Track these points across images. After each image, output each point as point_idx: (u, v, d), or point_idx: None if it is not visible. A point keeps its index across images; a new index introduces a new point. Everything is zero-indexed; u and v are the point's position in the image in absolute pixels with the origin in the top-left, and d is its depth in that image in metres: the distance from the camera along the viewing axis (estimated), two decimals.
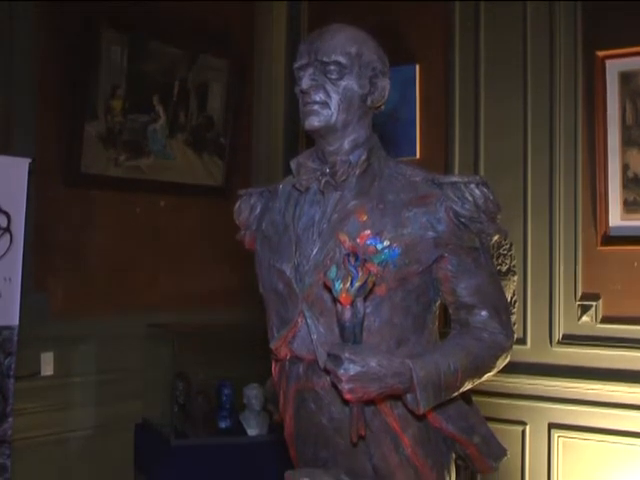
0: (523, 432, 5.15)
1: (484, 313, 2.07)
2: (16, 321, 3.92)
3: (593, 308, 5.00)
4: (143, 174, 5.12)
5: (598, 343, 4.93)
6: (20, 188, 3.95)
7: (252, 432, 4.27)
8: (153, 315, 5.15)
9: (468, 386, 2.02)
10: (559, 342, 5.09)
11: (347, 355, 1.85)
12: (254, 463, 4.16)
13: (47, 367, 4.71)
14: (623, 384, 4.80)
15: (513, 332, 2.12)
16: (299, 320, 2.05)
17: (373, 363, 1.86)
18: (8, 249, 3.91)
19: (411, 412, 1.97)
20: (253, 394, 4.27)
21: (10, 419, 3.92)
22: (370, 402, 1.96)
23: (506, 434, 2.20)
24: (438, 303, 2.12)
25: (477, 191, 2.06)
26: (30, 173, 3.97)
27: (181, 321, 5.26)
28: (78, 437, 4.90)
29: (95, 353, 5.00)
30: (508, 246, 5.02)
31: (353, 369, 1.85)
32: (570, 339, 5.05)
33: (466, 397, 2.16)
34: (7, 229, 3.91)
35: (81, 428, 4.91)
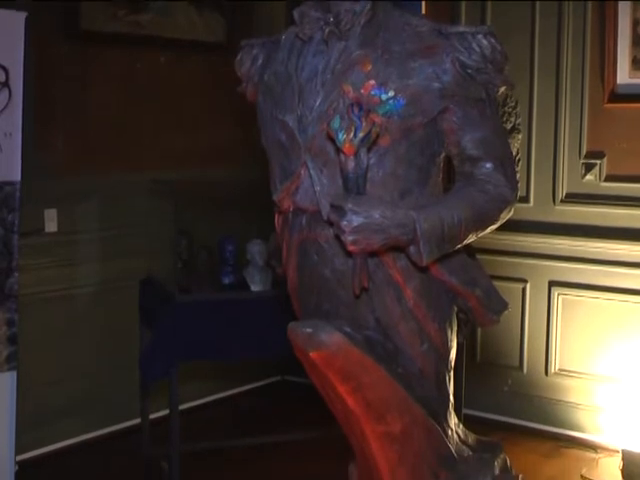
0: (524, 290, 5.21)
1: (489, 165, 2.05)
2: (18, 177, 3.92)
3: (597, 166, 4.98)
4: (143, 29, 5.02)
5: (601, 201, 4.94)
6: (17, 42, 3.88)
7: (255, 287, 4.31)
8: (154, 172, 5.14)
9: (471, 238, 2.02)
10: (562, 200, 5.10)
11: (350, 206, 1.84)
12: (257, 318, 4.21)
13: (51, 224, 4.74)
14: (625, 242, 4.84)
15: (517, 184, 2.11)
16: (302, 171, 2.03)
17: (376, 214, 1.85)
18: (7, 104, 3.87)
19: (414, 264, 1.97)
20: (256, 250, 4.29)
21: (15, 274, 3.96)
22: (373, 254, 1.96)
23: (507, 292, 2.22)
24: (442, 156, 2.10)
25: (484, 41, 2.01)
26: (28, 28, 3.90)
27: (182, 178, 5.25)
28: (83, 293, 4.96)
29: (98, 210, 5.02)
30: (513, 104, 4.96)
31: (356, 220, 1.84)
32: (573, 197, 5.05)
33: (469, 251, 2.17)
34: (5, 84, 3.86)
35: (86, 284, 4.97)
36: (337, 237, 1.91)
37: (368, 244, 1.87)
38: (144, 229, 5.17)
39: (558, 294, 5.10)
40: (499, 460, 2.36)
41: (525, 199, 5.12)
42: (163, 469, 4.39)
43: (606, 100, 4.92)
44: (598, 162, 4.97)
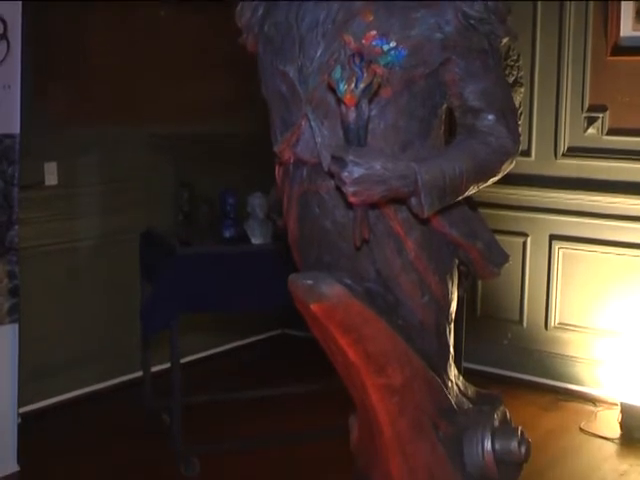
0: (524, 243, 5.21)
1: (491, 117, 2.03)
2: (17, 129, 3.90)
3: (599, 120, 4.96)
4: None
5: (603, 155, 4.92)
6: None
7: (256, 240, 4.31)
8: (155, 126, 5.13)
9: (473, 190, 2.01)
10: (564, 154, 5.08)
11: (351, 157, 1.83)
12: (258, 271, 4.21)
13: (51, 177, 4.73)
14: (626, 196, 4.83)
15: (520, 136, 2.09)
16: (303, 123, 2.02)
17: (377, 166, 1.84)
18: (6, 56, 3.84)
19: (415, 216, 1.97)
20: (257, 203, 4.28)
21: (16, 227, 3.96)
22: (374, 205, 1.95)
23: (508, 245, 2.22)
24: (444, 107, 2.08)
25: None
26: None
27: (183, 132, 5.24)
28: (84, 246, 4.97)
29: (98, 163, 5.00)
30: (515, 57, 4.91)
31: (357, 171, 1.83)
32: (575, 151, 5.04)
33: (470, 203, 2.16)
34: (4, 36, 3.83)
35: (87, 237, 4.98)
36: (338, 188, 1.91)
37: (369, 195, 1.86)
38: (144, 182, 5.17)
39: (559, 248, 5.11)
40: (498, 412, 2.37)
41: (527, 153, 5.10)
42: (164, 421, 4.42)
43: (609, 53, 4.88)
44: (600, 115, 4.95)
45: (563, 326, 5.12)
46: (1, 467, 4.02)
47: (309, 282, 1.91)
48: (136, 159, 5.14)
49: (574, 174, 5.02)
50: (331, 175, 1.91)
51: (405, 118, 1.98)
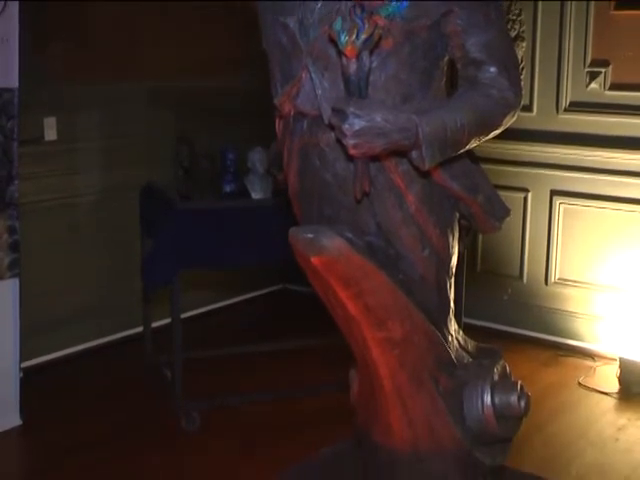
0: (525, 199, 5.20)
1: (493, 69, 2.02)
2: (16, 83, 3.87)
3: (602, 75, 4.93)
4: None
5: (605, 110, 4.90)
6: None
7: (256, 195, 4.30)
8: (155, 81, 5.10)
9: (474, 143, 2.00)
10: (566, 109, 5.06)
11: (352, 110, 1.82)
12: (258, 225, 4.21)
13: (50, 132, 4.70)
14: (628, 151, 4.81)
15: (522, 89, 2.07)
16: (303, 75, 2.00)
17: (378, 118, 1.83)
18: (3, 9, 3.80)
19: (416, 169, 1.96)
20: (257, 157, 4.26)
21: (16, 182, 3.95)
22: (374, 158, 1.94)
23: (508, 201, 2.20)
24: (446, 60, 2.07)
25: None
26: None
27: (183, 86, 5.20)
28: (84, 202, 4.96)
29: (98, 118, 4.98)
30: (517, 11, 4.84)
31: (358, 124, 1.81)
32: (577, 106, 5.01)
33: (472, 156, 2.15)
34: None
35: (87, 193, 4.96)
36: (338, 141, 1.89)
37: (370, 148, 1.85)
38: (144, 138, 5.15)
39: (559, 203, 5.10)
40: (498, 367, 2.38)
41: (528, 108, 5.07)
42: (165, 376, 4.44)
43: (612, 7, 4.84)
44: (603, 70, 4.91)
45: (563, 281, 5.13)
46: (4, 421, 4.05)
47: (309, 235, 1.90)
48: (136, 114, 5.12)
49: (576, 129, 4.99)
50: (331, 127, 1.90)
51: (406, 70, 1.97)
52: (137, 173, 4.92)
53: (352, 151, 1.85)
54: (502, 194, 2.24)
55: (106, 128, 5.00)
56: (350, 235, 1.94)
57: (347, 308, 2.00)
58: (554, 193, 5.11)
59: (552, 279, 5.16)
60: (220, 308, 5.79)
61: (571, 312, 5.09)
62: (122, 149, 5.05)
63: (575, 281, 5.08)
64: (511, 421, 2.34)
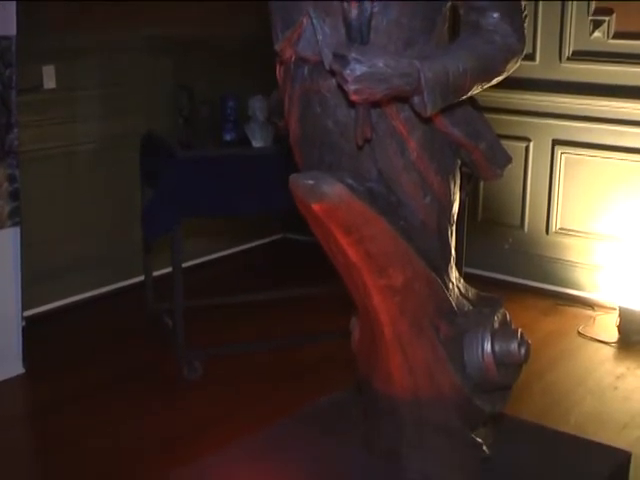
0: (527, 148, 5.19)
1: (496, 15, 1.99)
2: (14, 31, 3.85)
3: (605, 23, 4.89)
4: None
5: (609, 59, 4.86)
6: None
7: (257, 143, 4.28)
8: (154, 28, 5.06)
9: (477, 90, 1.98)
10: (569, 58, 5.02)
11: (353, 55, 1.80)
12: (259, 174, 4.19)
13: (49, 80, 4.68)
14: (631, 100, 4.79)
15: (525, 35, 2.05)
16: (304, 20, 1.97)
17: (380, 63, 1.81)
18: None
19: (417, 115, 1.94)
20: (257, 105, 4.24)
21: (15, 130, 3.93)
22: (376, 104, 1.93)
23: (510, 150, 2.19)
24: (448, 5, 2.04)
25: None
26: None
27: (182, 34, 5.16)
28: (84, 150, 4.94)
29: (97, 67, 4.95)
30: None
31: (359, 69, 1.79)
32: (580, 55, 4.98)
33: (474, 103, 2.13)
34: None
35: (87, 141, 4.95)
36: (340, 87, 1.88)
37: (371, 94, 1.83)
38: (144, 86, 5.12)
39: (561, 153, 5.08)
40: (499, 315, 2.38)
41: (531, 57, 5.04)
42: (166, 325, 4.46)
43: None
44: (606, 19, 4.87)
45: (564, 231, 5.13)
46: (7, 369, 4.08)
47: (310, 182, 1.89)
48: (135, 62, 5.08)
49: (579, 78, 4.96)
50: (333, 73, 1.88)
51: (408, 15, 1.94)
52: (137, 122, 4.90)
53: (353, 97, 1.84)
54: (504, 143, 2.22)
55: (105, 76, 4.97)
56: (351, 181, 1.93)
57: (348, 255, 1.99)
58: (556, 142, 5.10)
59: (553, 228, 5.16)
60: (221, 257, 5.80)
61: (571, 261, 5.10)
62: (121, 98, 5.03)
63: (576, 231, 5.08)
64: (511, 369, 2.34)
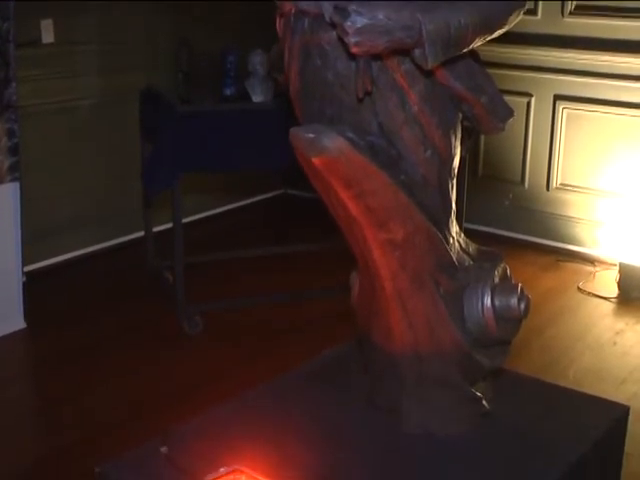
0: (528, 104, 5.16)
1: None
2: None
3: None
4: None
5: (611, 13, 4.84)
6: None
7: (257, 98, 4.26)
8: None
9: (478, 42, 1.96)
10: (571, 13, 4.98)
11: (354, 7, 1.78)
12: (259, 129, 4.18)
13: (47, 34, 4.64)
14: (633, 55, 4.76)
15: None
16: None
17: (381, 15, 1.79)
18: None
19: (419, 68, 1.92)
20: (258, 60, 4.21)
21: (13, 84, 3.91)
22: (377, 57, 1.91)
23: (511, 105, 2.18)
24: None
25: None
26: None
27: None
28: (83, 105, 4.92)
29: (96, 21, 4.90)
30: None
31: (360, 21, 1.77)
32: (583, 9, 4.95)
33: (476, 56, 2.12)
34: None
35: (86, 96, 4.92)
36: (340, 39, 1.86)
37: (372, 46, 1.81)
38: (144, 41, 5.08)
39: (563, 108, 5.05)
40: (499, 269, 2.38)
41: (533, 11, 5.00)
42: (167, 280, 4.47)
43: None
44: None
45: (564, 187, 5.12)
46: (9, 324, 4.09)
47: (311, 135, 1.88)
48: (135, 17, 5.04)
49: (581, 33, 4.92)
50: (333, 26, 1.87)
51: None
52: (136, 77, 4.87)
53: (354, 49, 1.82)
54: (505, 99, 2.21)
55: (104, 31, 4.94)
56: (352, 135, 1.92)
57: (348, 209, 1.99)
58: (557, 98, 5.07)
59: (553, 184, 5.15)
60: (221, 213, 5.79)
61: (572, 217, 5.10)
62: (121, 53, 4.99)
63: (576, 186, 5.07)
64: (511, 323, 2.35)
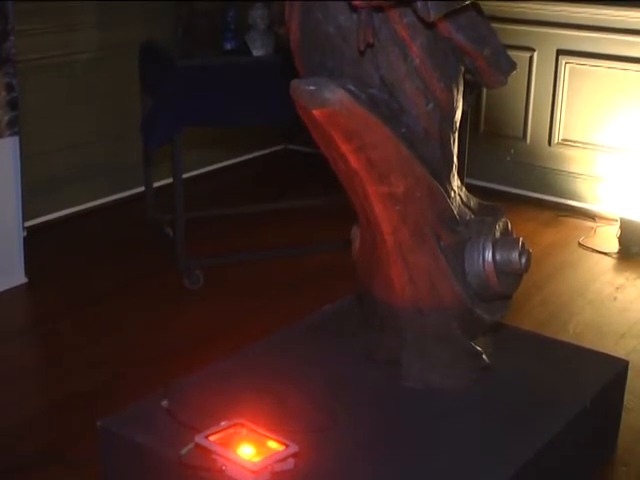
0: (531, 58, 5.12)
1: None
2: None
3: None
4: None
5: None
6: None
7: (257, 52, 4.22)
8: None
9: None
10: None
11: None
12: (260, 83, 4.15)
13: None
14: (637, 9, 4.70)
15: None
16: None
17: None
18: None
19: (421, 20, 1.91)
20: (258, 14, 4.17)
21: (11, 38, 3.87)
22: (378, 9, 1.89)
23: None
24: None
25: None
26: None
27: None
28: (83, 59, 4.87)
29: None
30: None
31: None
32: None
33: (478, 9, 2.10)
34: None
35: (85, 50, 4.87)
36: None
37: None
38: None
39: (565, 63, 5.02)
40: (500, 223, 2.38)
41: None
42: (167, 235, 4.46)
43: None
44: None
45: (566, 142, 5.09)
46: (10, 279, 4.09)
47: (312, 87, 1.87)
48: None
49: None
50: None
51: None
52: (136, 31, 4.83)
53: (355, 1, 1.80)
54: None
55: None
56: (353, 87, 1.91)
57: (349, 162, 1.98)
58: (560, 52, 5.03)
59: (555, 140, 5.13)
60: (221, 168, 5.77)
61: (573, 173, 5.08)
62: (120, 5, 4.94)
63: (578, 142, 5.04)
64: (511, 278, 2.35)
